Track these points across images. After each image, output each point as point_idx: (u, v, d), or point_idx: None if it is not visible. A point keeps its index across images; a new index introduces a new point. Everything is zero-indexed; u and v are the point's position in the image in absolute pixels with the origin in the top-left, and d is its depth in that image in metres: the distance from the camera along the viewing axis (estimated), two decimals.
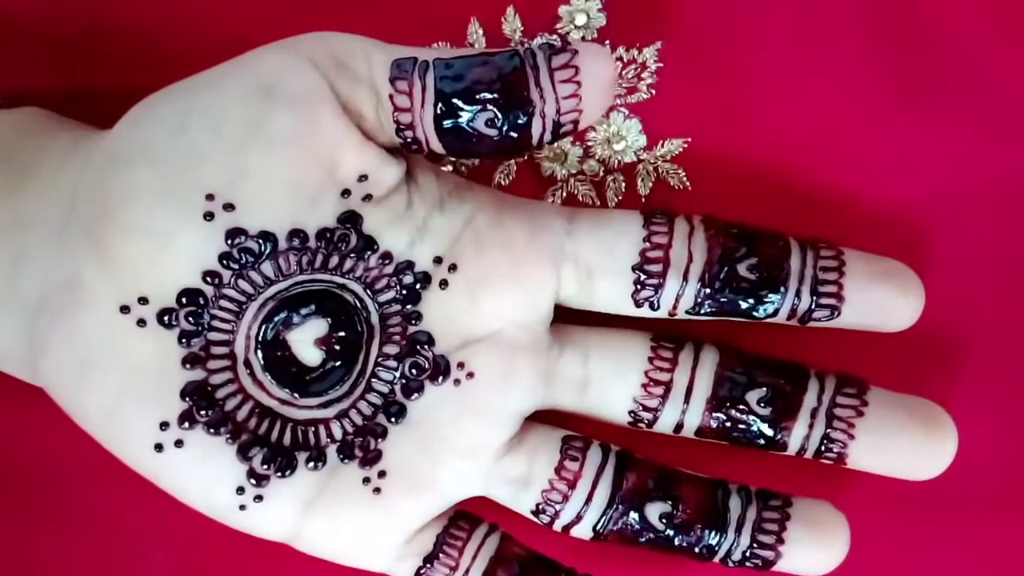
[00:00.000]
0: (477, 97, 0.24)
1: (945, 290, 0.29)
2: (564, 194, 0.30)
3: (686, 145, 0.30)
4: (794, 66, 0.29)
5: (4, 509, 0.30)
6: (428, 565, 0.26)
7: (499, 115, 0.24)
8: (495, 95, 0.24)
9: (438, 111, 0.24)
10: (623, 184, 0.30)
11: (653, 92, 0.30)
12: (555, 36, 0.29)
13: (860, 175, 0.29)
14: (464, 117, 0.24)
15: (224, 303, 0.25)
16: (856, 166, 0.29)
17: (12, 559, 0.30)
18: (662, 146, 0.30)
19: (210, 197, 0.24)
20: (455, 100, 0.24)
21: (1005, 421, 0.30)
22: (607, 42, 0.30)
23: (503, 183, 0.30)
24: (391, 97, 0.24)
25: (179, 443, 0.25)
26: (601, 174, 0.30)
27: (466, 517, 0.27)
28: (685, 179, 0.30)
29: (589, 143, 0.30)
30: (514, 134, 0.24)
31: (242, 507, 0.25)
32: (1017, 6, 0.29)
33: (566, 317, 0.27)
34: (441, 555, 0.26)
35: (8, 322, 0.25)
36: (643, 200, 0.30)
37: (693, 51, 0.29)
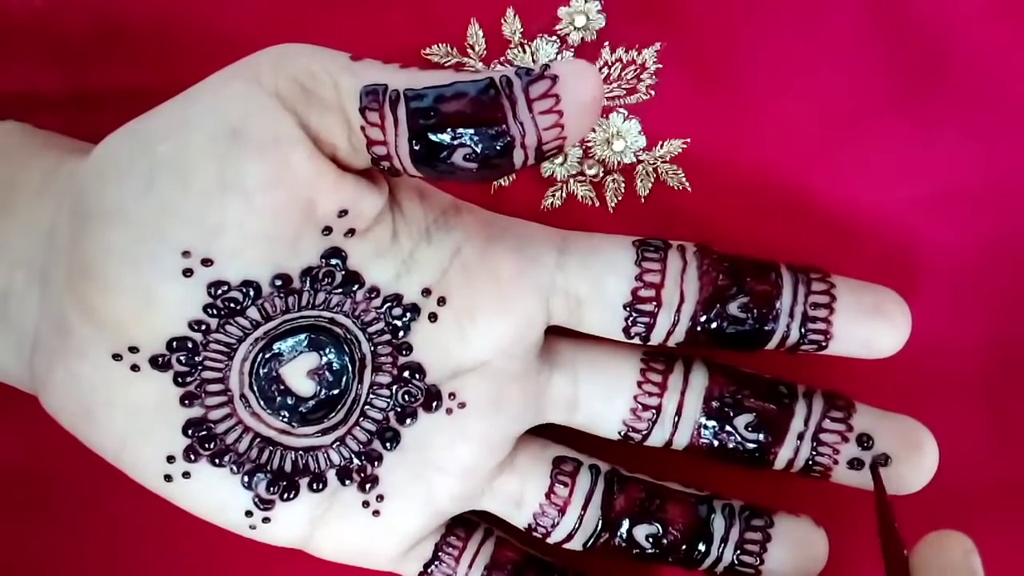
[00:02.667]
0: (453, 132, 0.22)
1: (941, 291, 0.29)
2: (563, 195, 0.30)
3: (685, 146, 0.30)
4: (793, 67, 0.29)
5: (5, 510, 0.30)
6: (427, 572, 0.28)
7: (477, 151, 0.22)
8: (471, 130, 0.22)
9: (413, 147, 0.23)
10: (622, 185, 0.30)
11: (653, 93, 0.30)
12: (555, 37, 0.30)
13: (858, 176, 0.29)
14: (441, 153, 0.22)
15: (214, 346, 0.25)
16: (854, 167, 0.30)
17: (12, 560, 0.30)
18: (661, 147, 0.30)
19: (186, 254, 0.23)
20: (430, 135, 0.22)
21: (999, 424, 0.30)
22: (607, 43, 0.30)
23: (503, 184, 0.30)
24: (363, 129, 0.23)
25: (186, 474, 0.25)
26: (600, 175, 0.30)
27: (463, 523, 0.28)
28: (684, 180, 0.30)
29: (589, 144, 0.30)
30: (494, 166, 0.23)
31: (252, 527, 0.26)
32: (1014, 9, 0.29)
33: (556, 327, 0.27)
34: (439, 563, 0.28)
35: (6, 345, 0.25)
36: (643, 201, 0.30)
37: (692, 52, 0.29)
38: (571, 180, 0.30)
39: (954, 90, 0.29)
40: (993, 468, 0.30)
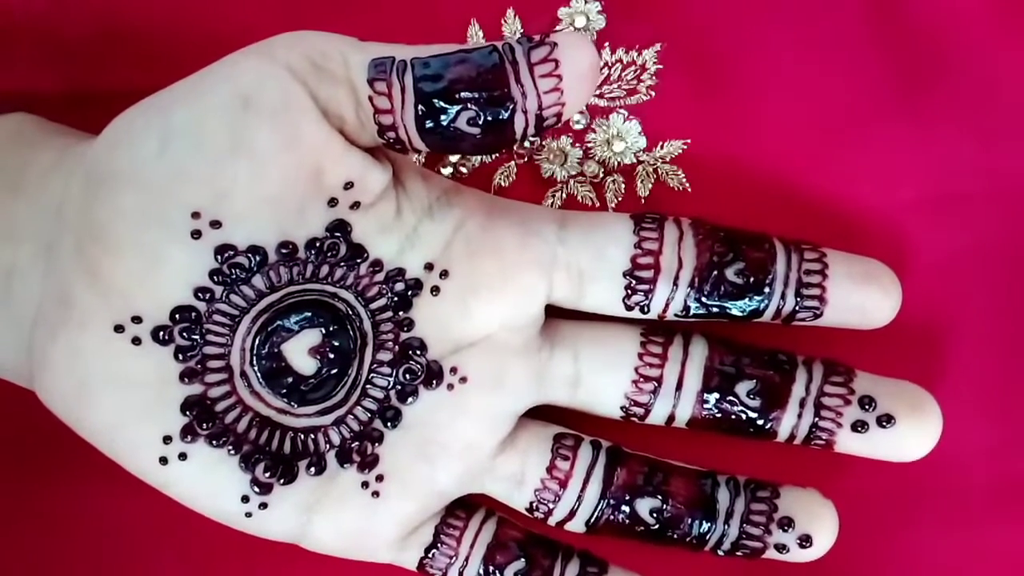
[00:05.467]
0: (457, 97, 0.23)
1: (941, 291, 0.29)
2: (564, 196, 0.30)
3: (685, 147, 0.30)
4: (792, 68, 0.30)
5: (5, 508, 0.30)
6: (428, 556, 0.27)
7: (480, 114, 0.23)
8: (475, 94, 0.23)
9: (419, 112, 0.23)
10: (623, 185, 0.30)
11: (653, 94, 0.30)
12: None
13: (857, 176, 0.30)
14: (446, 117, 0.23)
15: (218, 317, 0.25)
16: (853, 167, 0.30)
17: (12, 559, 0.30)
18: (661, 147, 0.30)
19: (196, 215, 0.24)
20: (435, 101, 0.23)
21: (999, 424, 0.30)
22: (607, 44, 0.30)
23: (503, 184, 0.30)
24: (371, 99, 0.24)
25: (183, 456, 0.25)
26: (601, 175, 0.30)
27: (462, 506, 0.28)
28: (684, 180, 0.30)
29: (589, 144, 0.30)
30: (497, 131, 0.23)
31: (248, 514, 0.26)
32: (1013, 10, 0.29)
33: (556, 309, 0.27)
34: (440, 545, 0.27)
35: (4, 333, 0.25)
36: (643, 202, 0.30)
37: (693, 53, 0.30)
38: (571, 181, 0.30)
39: (954, 90, 0.29)
40: (993, 467, 0.29)
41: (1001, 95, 0.29)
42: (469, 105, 0.23)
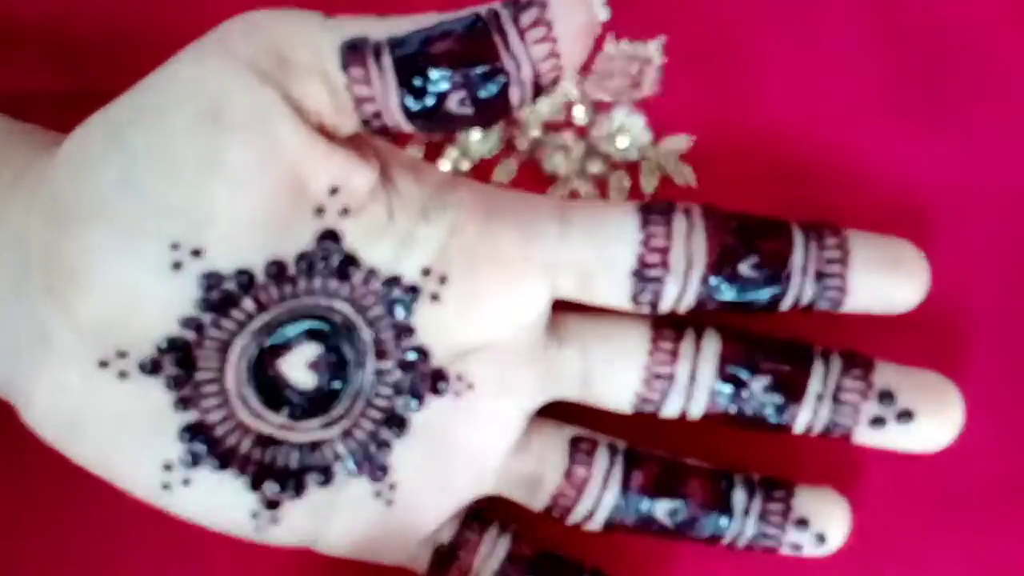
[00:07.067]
0: (442, 76, 0.22)
1: (946, 288, 0.29)
2: (566, 192, 0.30)
3: (691, 142, 0.29)
4: (800, 61, 0.29)
5: (4, 509, 0.30)
6: (442, 567, 0.27)
7: (470, 93, 0.22)
8: (462, 71, 0.22)
9: (403, 96, 0.22)
10: (627, 181, 0.30)
11: (658, 88, 0.29)
12: None
13: (867, 170, 0.29)
14: (432, 99, 0.22)
15: (208, 343, 0.24)
16: (864, 161, 0.29)
17: (12, 558, 0.30)
18: (667, 142, 0.29)
19: (175, 246, 0.22)
20: (418, 83, 0.22)
21: (1002, 423, 0.29)
22: (611, 36, 0.29)
23: (504, 181, 0.30)
24: (348, 87, 0.22)
25: (186, 482, 0.24)
26: (605, 171, 0.30)
27: (479, 519, 0.27)
28: (689, 176, 0.29)
29: (592, 140, 0.30)
30: (490, 107, 0.22)
31: (259, 529, 0.25)
32: (1016, 10, 0.29)
33: (562, 302, 0.27)
34: (454, 559, 0.27)
35: None
36: (647, 197, 0.29)
37: (698, 46, 0.29)
38: (574, 177, 0.30)
39: (961, 86, 0.29)
40: (995, 466, 0.29)
41: (1003, 94, 0.29)
42: (456, 83, 0.22)
